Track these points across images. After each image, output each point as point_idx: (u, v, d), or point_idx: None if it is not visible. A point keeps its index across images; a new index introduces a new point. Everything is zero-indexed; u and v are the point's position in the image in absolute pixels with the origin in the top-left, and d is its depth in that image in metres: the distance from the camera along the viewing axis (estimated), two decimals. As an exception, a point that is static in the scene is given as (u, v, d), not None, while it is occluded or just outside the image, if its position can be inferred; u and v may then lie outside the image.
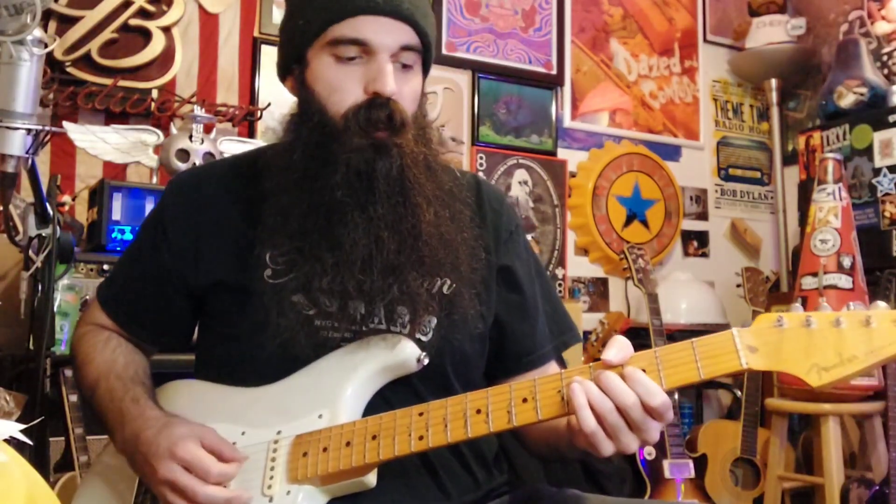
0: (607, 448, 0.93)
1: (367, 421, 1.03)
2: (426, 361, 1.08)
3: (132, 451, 1.08)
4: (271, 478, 1.04)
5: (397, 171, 1.07)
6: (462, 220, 1.13)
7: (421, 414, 1.01)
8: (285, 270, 1.10)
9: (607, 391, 0.92)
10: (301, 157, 1.10)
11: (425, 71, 1.17)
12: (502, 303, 1.22)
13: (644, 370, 0.93)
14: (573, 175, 3.56)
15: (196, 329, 1.28)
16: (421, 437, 0.99)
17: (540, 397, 0.96)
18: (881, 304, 0.88)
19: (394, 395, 1.10)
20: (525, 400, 0.97)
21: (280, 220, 1.09)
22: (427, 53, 1.15)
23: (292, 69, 1.16)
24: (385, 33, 1.08)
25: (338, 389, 1.07)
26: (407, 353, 1.08)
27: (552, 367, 1.26)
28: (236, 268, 1.14)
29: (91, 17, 2.69)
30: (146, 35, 2.79)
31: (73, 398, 1.99)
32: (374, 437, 1.01)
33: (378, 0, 1.07)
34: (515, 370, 1.24)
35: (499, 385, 1.01)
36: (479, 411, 0.98)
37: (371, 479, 1.03)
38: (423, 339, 1.12)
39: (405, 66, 1.11)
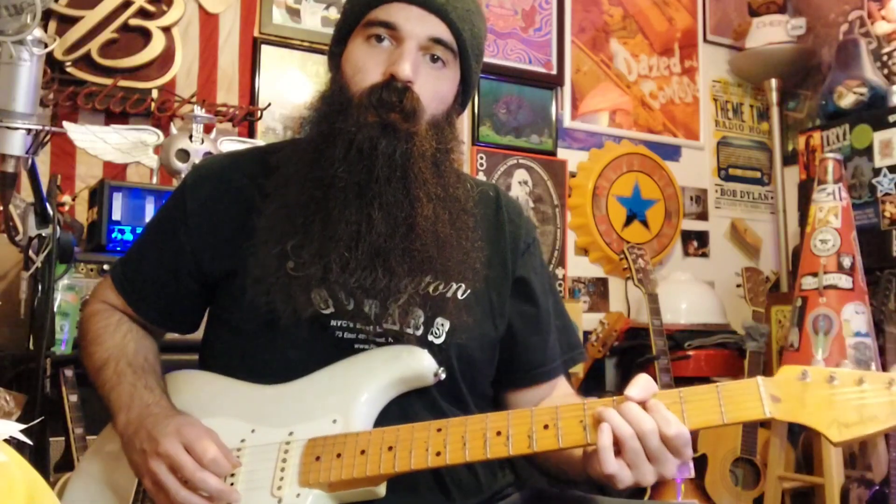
0: (626, 478, 0.95)
1: (384, 431, 1.03)
2: (443, 376, 1.09)
3: (135, 429, 1.08)
4: (281, 479, 1.03)
5: (401, 156, 1.07)
6: (463, 228, 1.13)
7: (439, 430, 1.00)
8: (308, 263, 1.09)
9: (627, 417, 0.95)
10: (317, 135, 1.11)
11: (466, 83, 1.18)
12: (517, 314, 1.23)
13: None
14: (573, 175, 3.56)
15: (203, 322, 1.28)
16: (438, 454, 0.99)
17: (562, 425, 0.97)
18: None
19: (404, 396, 1.10)
20: (546, 427, 0.98)
21: (283, 191, 1.10)
22: (465, 61, 1.15)
23: (335, 55, 1.18)
24: (415, 21, 1.10)
25: (353, 396, 1.07)
26: (424, 366, 1.08)
27: (561, 382, 1.28)
28: (257, 258, 1.13)
29: (91, 17, 2.69)
30: (146, 35, 2.79)
31: (73, 398, 1.98)
32: (390, 449, 1.01)
33: None
34: (525, 382, 1.25)
35: (519, 409, 1.01)
36: (499, 433, 0.98)
37: (381, 489, 1.03)
38: (436, 341, 1.12)
39: (436, 60, 1.12)
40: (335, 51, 1.18)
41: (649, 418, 0.94)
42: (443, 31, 1.11)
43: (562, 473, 1.16)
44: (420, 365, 1.08)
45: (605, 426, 0.95)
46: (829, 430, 0.91)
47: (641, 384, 0.98)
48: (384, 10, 1.11)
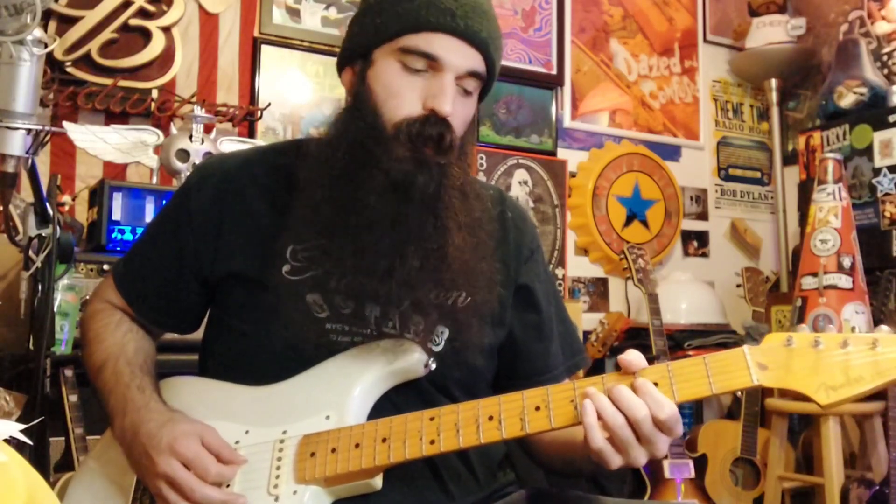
0: (616, 462, 0.95)
1: (377, 423, 1.03)
2: (433, 366, 1.09)
3: (130, 440, 1.08)
4: (277, 477, 1.04)
5: (434, 190, 1.06)
6: (484, 250, 1.12)
7: (432, 418, 1.01)
8: (304, 267, 1.10)
9: (619, 404, 0.94)
10: (344, 154, 1.09)
11: (481, 99, 1.18)
12: (519, 322, 1.23)
13: (656, 383, 0.95)
14: (573, 175, 3.56)
15: (204, 322, 1.28)
16: (432, 442, 0.99)
17: (553, 406, 0.97)
18: (885, 327, 0.92)
19: (401, 399, 1.10)
20: (538, 408, 0.98)
21: (309, 214, 1.08)
22: (490, 84, 1.16)
23: (354, 63, 1.15)
24: (457, 54, 1.08)
25: (345, 391, 1.07)
26: (414, 358, 1.09)
27: None
28: (255, 261, 1.14)
29: (91, 17, 2.69)
30: (146, 35, 2.79)
31: (73, 398, 1.98)
32: (384, 440, 1.01)
33: (459, 23, 1.07)
34: (528, 389, 1.25)
35: (511, 393, 1.01)
36: (491, 418, 0.99)
37: (377, 481, 1.03)
38: (435, 349, 1.12)
39: (466, 92, 1.11)
40: (355, 65, 1.14)
41: (642, 404, 0.93)
42: (479, 64, 1.11)
43: (567, 465, 1.16)
44: (410, 356, 1.09)
45: (589, 403, 0.94)
46: (816, 394, 0.91)
47: (634, 354, 0.98)
48: (425, 39, 1.07)
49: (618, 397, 0.94)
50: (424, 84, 1.08)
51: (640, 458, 0.94)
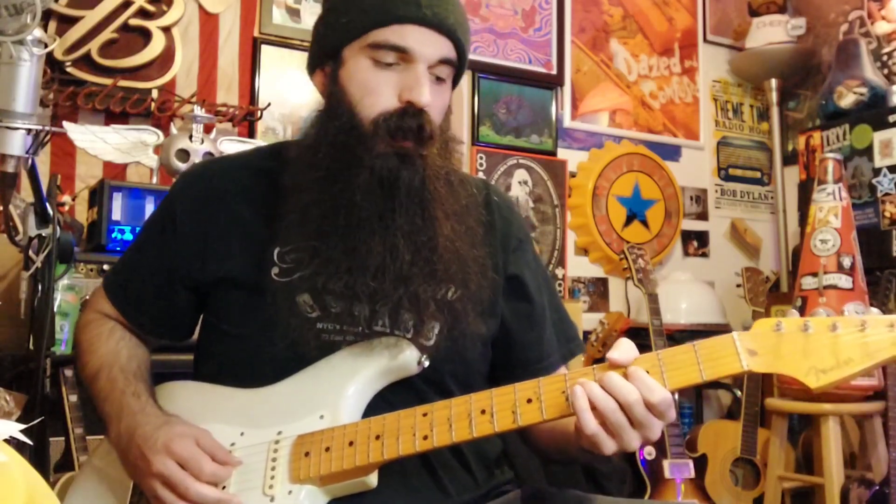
0: (610, 447, 0.95)
1: (371, 421, 1.03)
2: (426, 364, 1.09)
3: (126, 443, 1.08)
4: (272, 477, 1.04)
5: (419, 182, 1.07)
6: (474, 236, 1.13)
7: (425, 414, 1.01)
8: (293, 269, 1.10)
9: (610, 390, 0.94)
10: (325, 156, 1.09)
11: (454, 85, 1.18)
12: (511, 312, 1.23)
13: (647, 371, 0.95)
14: (573, 175, 3.56)
15: (197, 325, 1.28)
16: (425, 437, 1.00)
17: (544, 398, 0.98)
18: (874, 310, 0.93)
19: (395, 396, 1.10)
20: (529, 400, 0.98)
21: (298, 218, 1.09)
22: (461, 70, 1.16)
23: (324, 65, 1.15)
24: (428, 44, 1.08)
25: (339, 390, 1.07)
26: (407, 356, 1.09)
27: (562, 372, 1.27)
28: (243, 265, 1.14)
29: (91, 17, 2.69)
30: (146, 35, 2.79)
31: (73, 398, 1.99)
32: (377, 437, 1.01)
33: (426, 12, 1.08)
34: (523, 378, 1.24)
35: (502, 386, 1.01)
36: (483, 411, 0.99)
37: (372, 479, 1.03)
38: (427, 343, 1.12)
39: (439, 80, 1.12)
40: (326, 66, 1.14)
41: (633, 388, 0.93)
42: (449, 51, 1.11)
43: (562, 454, 1.16)
44: (404, 354, 1.09)
45: (579, 390, 0.95)
46: (806, 378, 0.91)
47: (623, 347, 0.98)
48: (394, 31, 1.08)
49: (608, 383, 0.94)
50: (398, 77, 1.08)
51: (634, 442, 0.95)
